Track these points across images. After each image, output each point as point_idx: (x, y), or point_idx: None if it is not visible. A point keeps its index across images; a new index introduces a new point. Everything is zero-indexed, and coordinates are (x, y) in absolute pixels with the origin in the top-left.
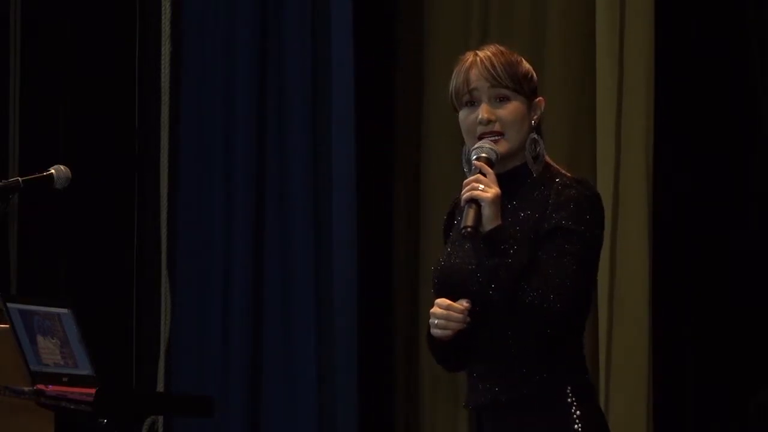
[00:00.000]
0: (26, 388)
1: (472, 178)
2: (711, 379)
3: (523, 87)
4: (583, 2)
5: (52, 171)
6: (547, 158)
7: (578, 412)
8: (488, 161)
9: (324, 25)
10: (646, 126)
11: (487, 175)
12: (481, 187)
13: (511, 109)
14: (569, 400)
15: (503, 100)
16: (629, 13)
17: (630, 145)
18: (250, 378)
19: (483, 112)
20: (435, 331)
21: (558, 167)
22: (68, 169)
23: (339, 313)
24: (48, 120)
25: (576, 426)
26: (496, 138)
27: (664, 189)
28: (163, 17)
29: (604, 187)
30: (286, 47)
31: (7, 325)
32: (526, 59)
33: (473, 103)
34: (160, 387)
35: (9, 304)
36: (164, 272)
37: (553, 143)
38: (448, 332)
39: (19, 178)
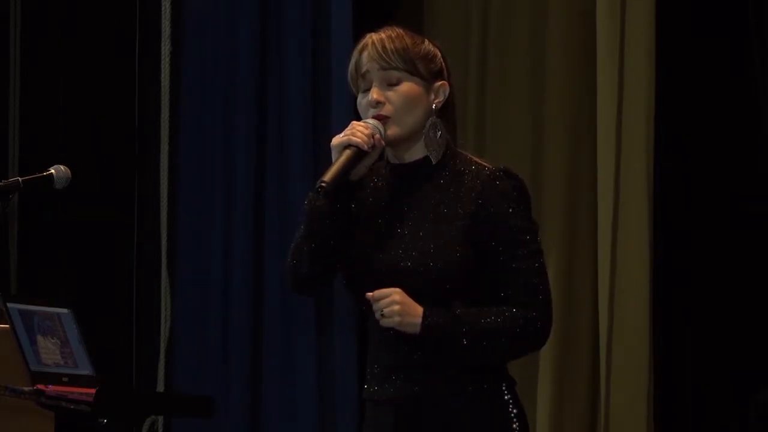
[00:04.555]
0: (26, 388)
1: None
2: (711, 379)
3: (417, 68)
4: (583, 2)
5: (52, 171)
6: (458, 148)
7: (515, 411)
8: (371, 136)
9: (324, 25)
10: (647, 126)
11: (397, 295)
12: (397, 301)
13: (402, 90)
14: (506, 397)
15: (395, 82)
16: (630, 13)
17: (631, 145)
18: (250, 378)
19: (372, 93)
20: (343, 138)
21: (469, 155)
22: (68, 169)
23: (339, 312)
24: (48, 120)
25: (515, 425)
26: (384, 121)
27: (665, 189)
28: (163, 17)
29: (604, 187)
30: (286, 47)
31: (7, 325)
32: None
33: (368, 88)
34: (160, 387)
35: (9, 304)
36: (164, 272)
37: (553, 143)
38: (355, 140)
39: (19, 178)
